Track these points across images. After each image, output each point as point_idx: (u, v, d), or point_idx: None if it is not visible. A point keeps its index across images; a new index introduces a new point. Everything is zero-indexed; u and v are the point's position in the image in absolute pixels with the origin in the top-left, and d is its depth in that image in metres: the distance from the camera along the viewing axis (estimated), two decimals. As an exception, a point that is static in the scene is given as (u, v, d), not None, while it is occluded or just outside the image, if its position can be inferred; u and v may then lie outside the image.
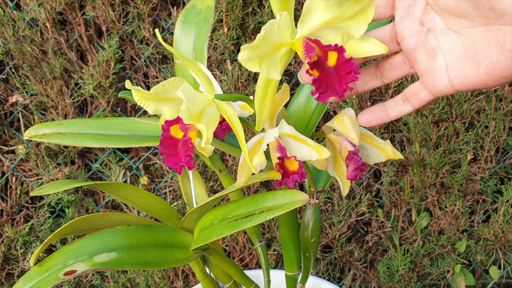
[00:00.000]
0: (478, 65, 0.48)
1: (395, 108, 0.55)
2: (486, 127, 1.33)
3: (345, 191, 0.65)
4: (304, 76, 0.53)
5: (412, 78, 1.23)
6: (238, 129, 0.54)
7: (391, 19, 0.53)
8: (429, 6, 0.50)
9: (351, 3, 0.48)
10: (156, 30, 0.55)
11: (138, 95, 0.56)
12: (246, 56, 0.48)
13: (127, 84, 0.55)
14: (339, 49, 0.50)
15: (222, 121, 0.62)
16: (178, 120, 0.53)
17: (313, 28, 0.50)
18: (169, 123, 0.54)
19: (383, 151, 0.66)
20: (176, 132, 0.54)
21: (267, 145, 0.59)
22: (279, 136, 0.59)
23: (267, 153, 0.60)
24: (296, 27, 0.51)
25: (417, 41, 0.51)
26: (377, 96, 1.34)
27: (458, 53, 0.49)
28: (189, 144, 0.53)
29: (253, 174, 0.60)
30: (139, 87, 0.56)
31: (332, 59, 0.50)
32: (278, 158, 0.59)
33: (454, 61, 0.49)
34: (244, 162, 0.59)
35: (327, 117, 1.37)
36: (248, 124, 0.61)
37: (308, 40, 0.50)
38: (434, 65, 0.51)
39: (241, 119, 0.56)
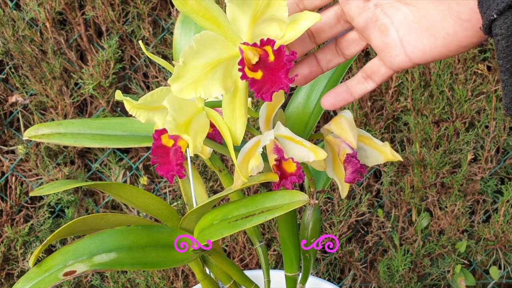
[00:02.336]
0: (434, 37, 0.46)
1: (358, 86, 0.52)
2: (487, 127, 1.32)
3: (344, 193, 0.65)
4: None
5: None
6: (227, 137, 0.54)
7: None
8: None
9: None
10: (140, 42, 0.55)
11: (129, 105, 0.56)
12: (178, 88, 0.47)
13: (118, 95, 0.56)
14: (270, 42, 0.48)
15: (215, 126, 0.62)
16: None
17: (249, 31, 0.49)
18: (159, 132, 0.54)
19: (382, 153, 0.66)
20: (167, 140, 0.54)
21: (264, 147, 0.59)
22: (276, 138, 0.59)
23: (264, 155, 0.60)
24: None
25: (366, 19, 0.49)
26: (377, 96, 1.33)
27: (411, 26, 0.47)
28: (179, 153, 0.53)
29: (250, 176, 0.60)
30: (128, 97, 0.56)
31: (271, 54, 0.48)
32: (276, 159, 0.59)
33: (409, 35, 0.47)
34: (241, 164, 0.59)
35: (327, 117, 1.37)
36: (248, 127, 0.61)
37: (242, 45, 0.49)
38: (388, 41, 0.48)
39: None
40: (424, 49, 0.47)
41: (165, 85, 0.57)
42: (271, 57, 0.48)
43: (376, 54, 0.52)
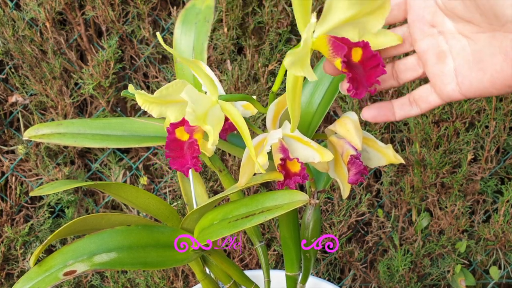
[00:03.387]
0: (483, 72, 0.47)
1: (402, 108, 0.55)
2: (487, 127, 1.32)
3: (345, 193, 0.65)
4: (328, 68, 0.53)
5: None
6: (243, 128, 0.54)
7: None
8: (440, 9, 0.50)
9: None
10: (158, 34, 0.55)
11: (142, 99, 0.56)
12: (290, 62, 0.49)
13: (131, 88, 0.55)
14: (365, 45, 0.50)
15: (224, 121, 0.62)
16: (183, 122, 0.53)
17: (333, 26, 0.50)
18: (174, 126, 0.54)
19: (384, 155, 0.66)
20: (181, 134, 0.54)
21: (271, 146, 0.59)
22: (282, 137, 0.59)
23: (269, 154, 0.60)
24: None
25: (429, 44, 0.51)
26: (377, 96, 1.33)
27: (466, 58, 0.49)
28: (195, 146, 0.53)
29: (255, 174, 0.60)
30: (142, 91, 0.56)
31: (356, 55, 0.50)
32: (281, 159, 0.58)
33: (462, 66, 0.49)
34: (246, 161, 0.59)
35: (327, 117, 1.37)
36: (250, 125, 0.61)
37: (335, 39, 0.50)
38: (443, 68, 0.51)
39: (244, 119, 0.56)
40: (472, 82, 0.49)
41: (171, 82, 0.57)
42: (356, 58, 0.50)
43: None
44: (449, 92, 0.51)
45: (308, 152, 0.59)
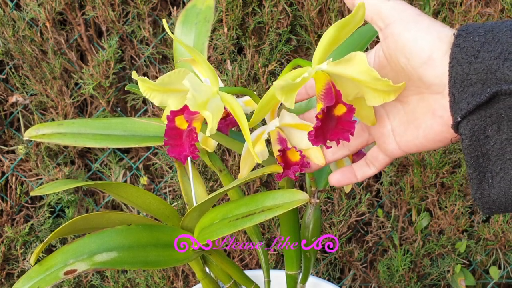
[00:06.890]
0: (417, 129, 0.52)
1: (361, 170, 0.59)
2: (486, 127, 1.33)
3: (348, 187, 0.66)
4: (304, 92, 0.58)
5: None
6: (242, 119, 0.55)
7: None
8: None
9: (383, 82, 0.50)
10: (164, 21, 0.55)
11: (144, 86, 0.56)
12: (279, 86, 0.50)
13: (134, 74, 0.56)
14: (351, 109, 0.51)
15: (226, 116, 0.62)
16: (183, 110, 0.54)
17: (341, 74, 0.51)
18: (174, 113, 0.54)
19: None
20: (181, 122, 0.54)
21: (269, 135, 0.60)
22: (280, 127, 0.60)
23: (269, 150, 0.61)
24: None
25: None
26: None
27: (402, 119, 0.54)
28: (193, 133, 0.53)
29: (256, 169, 0.60)
30: (145, 77, 0.56)
31: (340, 110, 0.52)
32: (279, 150, 0.59)
33: (399, 127, 0.54)
34: (246, 153, 0.60)
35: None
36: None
37: (333, 87, 0.51)
38: (383, 130, 0.55)
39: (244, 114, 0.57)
40: (408, 139, 0.54)
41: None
42: (337, 112, 0.52)
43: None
44: (392, 151, 0.55)
45: (307, 139, 0.59)
